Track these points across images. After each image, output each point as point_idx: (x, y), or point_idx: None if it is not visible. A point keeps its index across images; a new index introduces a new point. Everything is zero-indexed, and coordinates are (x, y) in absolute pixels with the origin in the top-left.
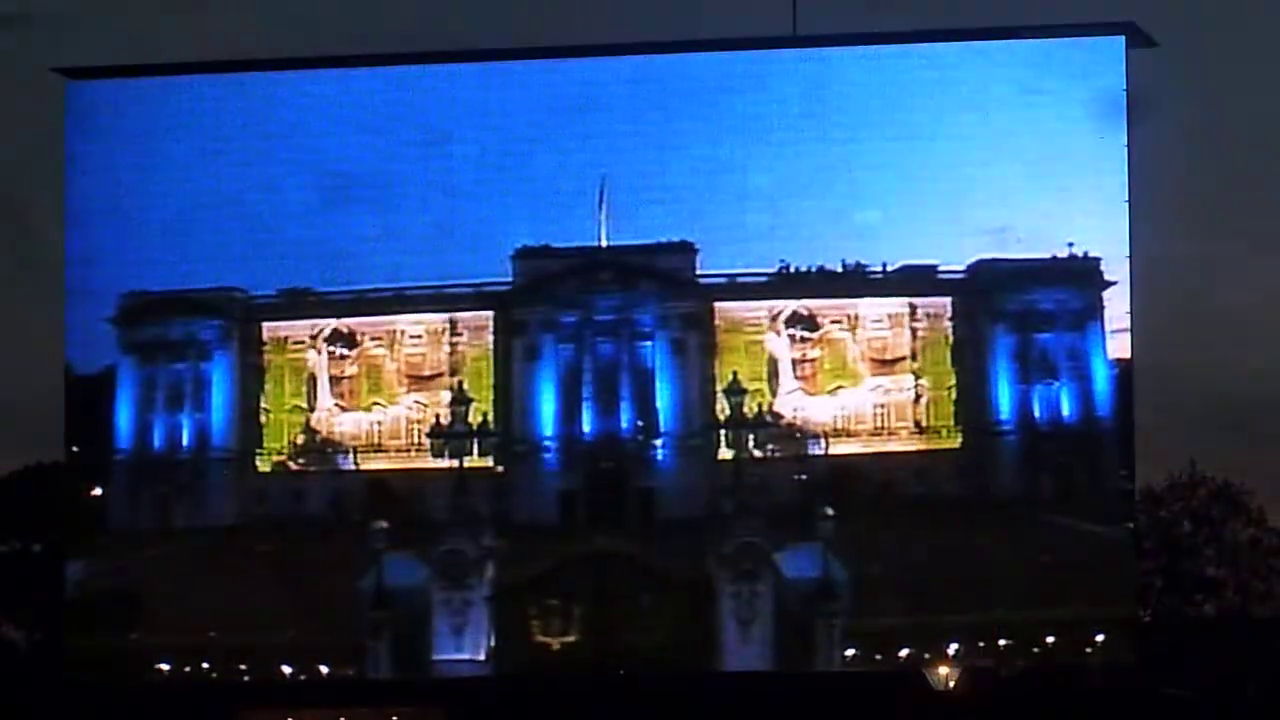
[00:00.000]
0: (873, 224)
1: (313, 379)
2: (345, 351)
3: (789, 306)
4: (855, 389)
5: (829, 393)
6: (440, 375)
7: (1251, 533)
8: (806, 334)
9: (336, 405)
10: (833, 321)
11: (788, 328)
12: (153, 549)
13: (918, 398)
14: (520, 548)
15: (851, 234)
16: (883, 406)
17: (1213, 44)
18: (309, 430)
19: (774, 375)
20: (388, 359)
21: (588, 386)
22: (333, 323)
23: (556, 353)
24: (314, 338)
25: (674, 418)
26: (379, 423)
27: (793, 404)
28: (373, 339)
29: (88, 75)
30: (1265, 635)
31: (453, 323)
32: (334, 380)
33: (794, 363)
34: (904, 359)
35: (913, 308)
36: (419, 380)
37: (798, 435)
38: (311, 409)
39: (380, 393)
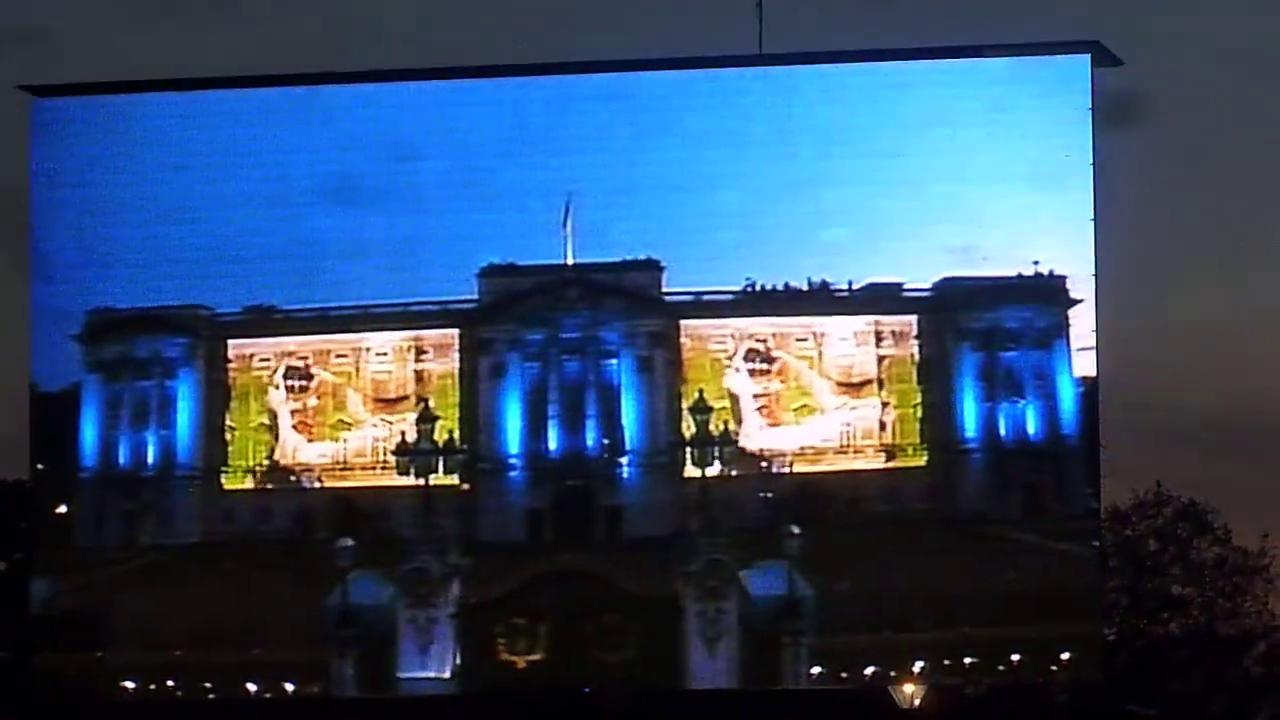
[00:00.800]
0: (839, 242)
1: (273, 415)
2: (304, 383)
3: (745, 344)
4: (821, 415)
5: (794, 411)
6: (406, 398)
7: (1217, 551)
8: (764, 366)
9: (301, 437)
10: (798, 339)
11: (746, 362)
12: (118, 566)
13: (883, 423)
14: (486, 565)
15: (818, 252)
16: (848, 425)
17: (1179, 63)
18: (273, 461)
19: (736, 406)
20: (351, 389)
21: (554, 404)
22: (288, 360)
23: (523, 371)
24: (271, 374)
25: (640, 435)
26: (345, 440)
27: (757, 435)
28: (337, 357)
29: (54, 92)
30: (1231, 654)
31: (418, 341)
32: (295, 414)
33: (755, 397)
34: (870, 381)
35: (878, 326)
36: (385, 403)
37: (763, 464)
38: (275, 441)
39: (345, 415)
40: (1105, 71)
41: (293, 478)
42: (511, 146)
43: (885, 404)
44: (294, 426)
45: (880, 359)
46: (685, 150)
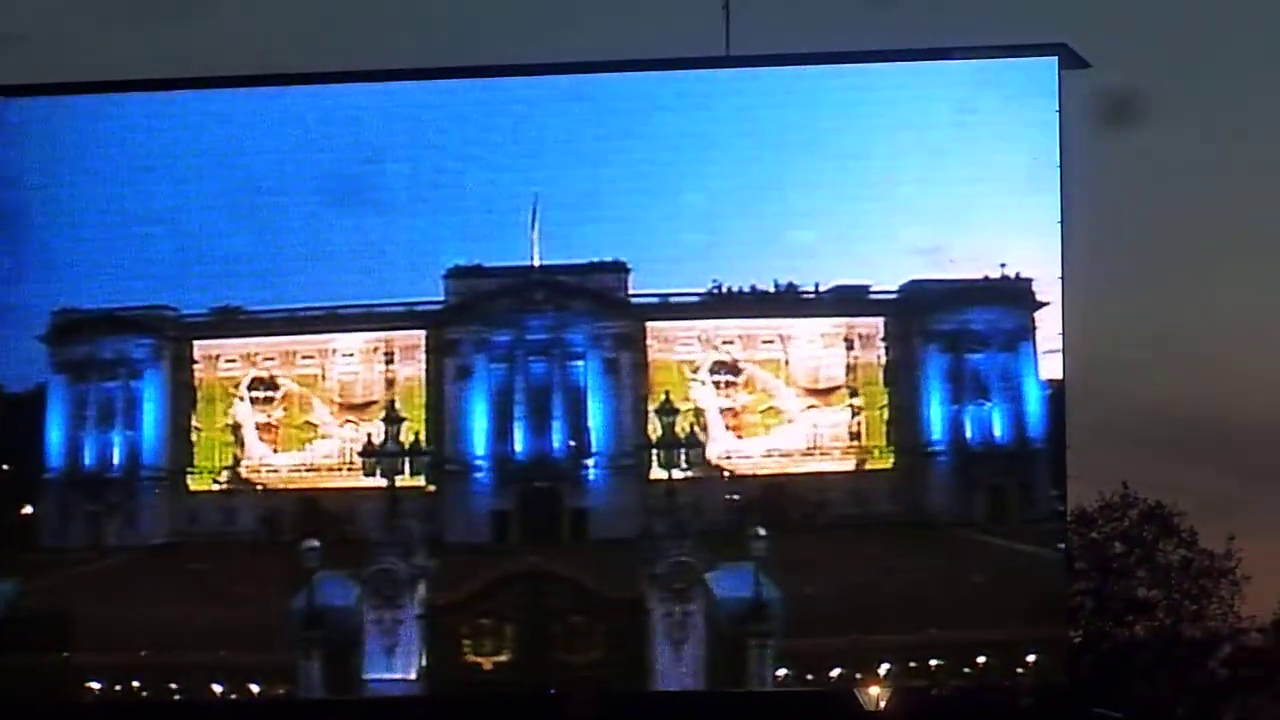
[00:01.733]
0: (806, 244)
1: (238, 427)
2: (270, 394)
3: (711, 354)
4: (789, 424)
5: (760, 414)
6: (373, 402)
7: (1183, 554)
8: (731, 378)
9: (267, 447)
10: (764, 340)
11: (712, 375)
12: (84, 567)
13: (854, 434)
14: (452, 567)
15: (785, 254)
16: (816, 426)
17: (1146, 66)
18: (239, 467)
19: (702, 418)
20: (317, 398)
21: (520, 406)
22: (254, 370)
23: (489, 372)
24: (236, 383)
25: (606, 437)
26: (312, 447)
27: (724, 443)
28: (303, 358)
29: (19, 92)
30: (1196, 656)
31: (384, 342)
32: (261, 426)
33: (722, 411)
34: (839, 387)
35: (845, 329)
36: (351, 407)
37: (726, 473)
38: (241, 452)
39: (311, 418)
40: (1073, 74)
41: (259, 483)
42: (478, 148)
43: (852, 407)
44: (260, 437)
45: (847, 362)
46: (652, 152)
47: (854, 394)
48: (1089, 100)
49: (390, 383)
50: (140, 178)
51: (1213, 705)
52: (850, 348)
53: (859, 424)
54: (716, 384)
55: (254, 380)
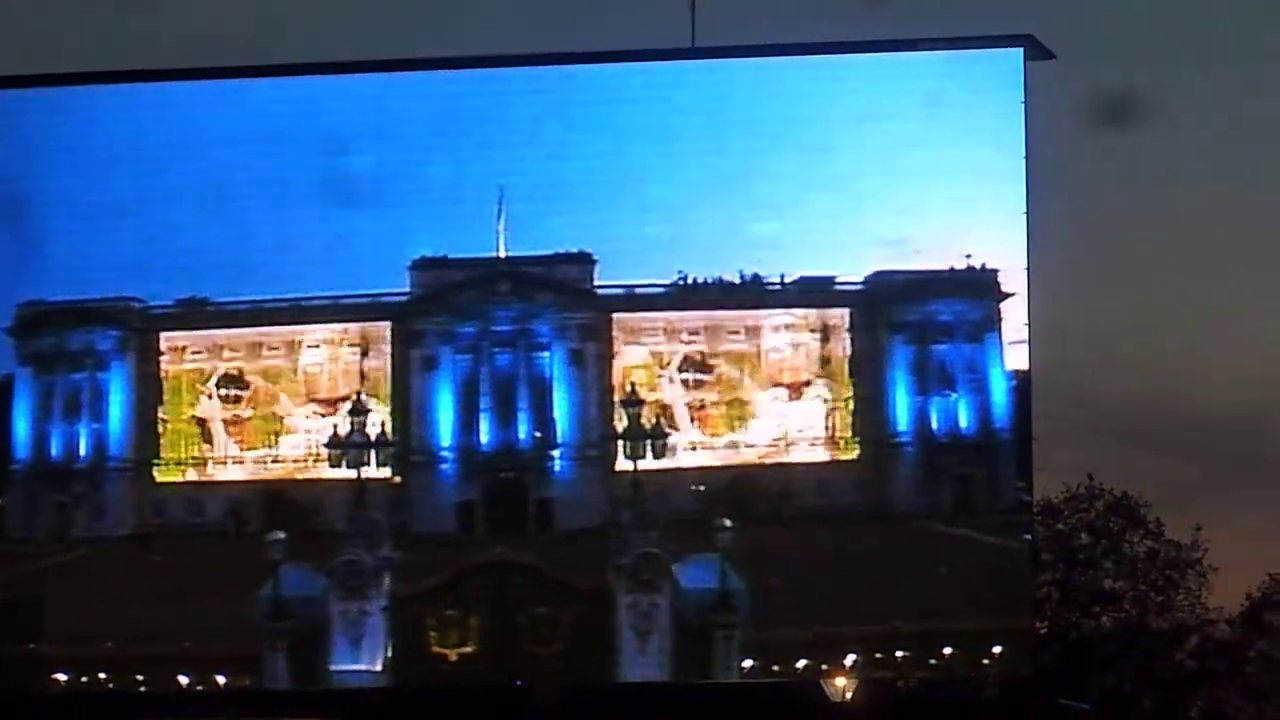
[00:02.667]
0: (771, 235)
1: (206, 423)
2: (239, 393)
3: (679, 350)
4: (756, 419)
5: (727, 407)
6: (341, 396)
7: (1149, 545)
8: (700, 376)
9: (235, 444)
10: (730, 333)
11: (681, 373)
12: (50, 559)
13: (820, 425)
14: (418, 558)
15: (750, 245)
16: (782, 418)
17: (1113, 58)
18: (206, 459)
19: (669, 414)
20: (284, 394)
21: (485, 397)
22: (222, 364)
23: (454, 363)
24: (204, 377)
25: (572, 428)
26: (279, 443)
27: (691, 439)
28: (269, 349)
29: None
30: (1163, 647)
31: (350, 334)
32: (229, 424)
33: (688, 403)
34: (805, 379)
35: (810, 320)
36: (319, 400)
37: (694, 463)
38: (210, 449)
39: (278, 409)
40: (1038, 65)
41: (225, 475)
42: (443, 140)
43: (818, 399)
44: (227, 430)
45: (813, 353)
46: (617, 144)
47: (820, 385)
48: (1055, 91)
49: (357, 374)
50: (105, 170)
51: (1179, 697)
52: (816, 339)
53: (825, 415)
54: (685, 382)
55: (222, 378)
